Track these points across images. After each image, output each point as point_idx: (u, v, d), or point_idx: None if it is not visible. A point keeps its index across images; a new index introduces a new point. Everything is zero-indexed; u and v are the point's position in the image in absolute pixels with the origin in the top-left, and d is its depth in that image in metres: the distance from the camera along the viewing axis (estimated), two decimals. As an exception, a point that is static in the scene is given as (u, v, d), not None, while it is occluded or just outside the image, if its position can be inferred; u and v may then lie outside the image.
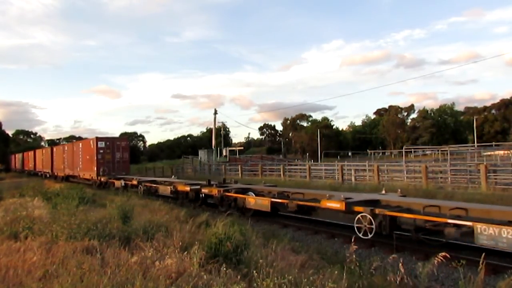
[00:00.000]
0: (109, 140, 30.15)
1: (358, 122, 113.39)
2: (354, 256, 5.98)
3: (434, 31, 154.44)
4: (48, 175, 45.15)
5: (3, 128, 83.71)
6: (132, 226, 8.87)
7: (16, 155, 71.33)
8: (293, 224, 12.59)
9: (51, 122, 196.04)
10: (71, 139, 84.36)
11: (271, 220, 13.27)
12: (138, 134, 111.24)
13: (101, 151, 29.06)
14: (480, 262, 5.53)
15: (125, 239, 7.95)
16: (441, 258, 5.69)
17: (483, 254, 5.87)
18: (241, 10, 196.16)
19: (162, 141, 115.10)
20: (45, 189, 21.90)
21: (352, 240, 7.17)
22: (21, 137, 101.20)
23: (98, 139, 29.58)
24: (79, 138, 71.94)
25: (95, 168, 29.10)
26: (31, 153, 57.96)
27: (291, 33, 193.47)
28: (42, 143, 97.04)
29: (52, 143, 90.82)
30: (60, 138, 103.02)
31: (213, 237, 6.60)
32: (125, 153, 30.32)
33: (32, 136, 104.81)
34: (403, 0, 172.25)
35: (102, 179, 27.92)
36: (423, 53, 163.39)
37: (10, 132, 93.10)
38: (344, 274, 5.19)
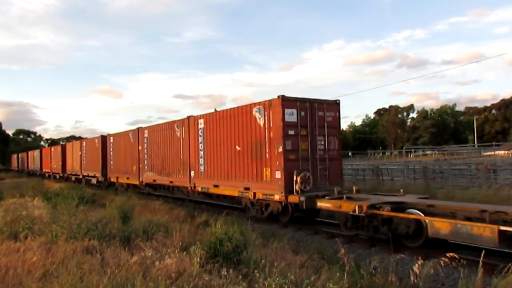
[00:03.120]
0: (306, 104, 12.44)
1: (359, 122, 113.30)
2: (349, 256, 5.97)
3: (435, 31, 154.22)
4: (58, 177, 39.07)
5: (3, 128, 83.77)
6: (132, 226, 8.87)
7: (20, 155, 66.54)
8: (293, 224, 12.57)
9: (52, 122, 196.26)
10: (71, 139, 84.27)
11: (271, 220, 13.25)
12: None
13: (290, 132, 12.00)
14: (480, 260, 5.51)
15: (125, 239, 7.95)
16: (445, 259, 5.64)
17: (483, 252, 5.86)
18: (241, 10, 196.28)
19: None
20: (45, 189, 21.88)
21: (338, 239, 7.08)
22: (21, 136, 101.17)
23: (284, 100, 11.92)
24: (79, 138, 70.99)
25: (282, 174, 11.72)
26: (36, 152, 52.44)
27: (291, 33, 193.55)
28: (42, 143, 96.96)
29: (52, 142, 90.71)
30: (61, 138, 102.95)
31: (213, 237, 6.59)
32: (334, 138, 13.15)
33: (32, 136, 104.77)
34: (403, 0, 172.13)
35: (301, 201, 11.36)
36: (425, 53, 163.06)
37: (11, 132, 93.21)
38: (345, 275, 5.18)
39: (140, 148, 21.18)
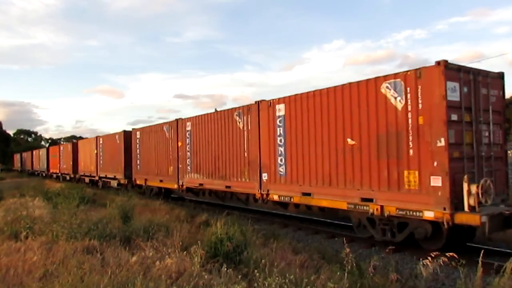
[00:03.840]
0: (469, 75, 8.48)
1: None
2: (351, 255, 5.97)
3: (435, 31, 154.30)
4: (68, 178, 34.92)
5: (4, 128, 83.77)
6: (132, 226, 8.88)
7: (24, 154, 62.95)
8: (293, 224, 12.58)
9: (53, 122, 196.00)
10: (71, 138, 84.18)
11: (271, 220, 13.27)
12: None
13: (453, 117, 8.09)
14: (479, 260, 5.51)
15: (126, 239, 7.96)
16: (445, 258, 5.63)
17: (482, 251, 5.86)
18: (242, 10, 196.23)
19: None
20: (46, 189, 21.90)
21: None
22: (22, 136, 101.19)
23: (447, 67, 7.96)
24: (80, 138, 70.38)
25: (444, 179, 7.75)
26: (42, 151, 48.48)
27: (291, 33, 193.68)
28: (42, 143, 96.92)
29: (53, 142, 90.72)
30: (61, 138, 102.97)
31: (214, 237, 6.60)
32: (498, 127, 9.24)
33: (32, 135, 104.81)
34: (403, 0, 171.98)
35: (482, 223, 7.44)
36: (425, 53, 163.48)
37: (11, 132, 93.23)
38: (346, 275, 5.19)
39: (179, 144, 16.93)
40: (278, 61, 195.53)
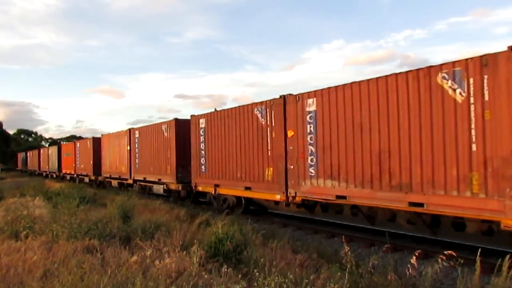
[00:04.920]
0: None
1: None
2: (350, 255, 5.98)
3: (435, 31, 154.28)
4: (87, 180, 30.07)
5: (4, 127, 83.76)
6: (132, 226, 8.89)
7: (30, 153, 59.18)
8: (293, 224, 12.58)
9: (53, 122, 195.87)
10: (72, 138, 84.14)
11: (271, 219, 13.27)
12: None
13: None
14: (476, 259, 5.51)
15: (126, 238, 7.97)
16: (443, 257, 5.63)
17: (479, 250, 5.86)
18: (242, 10, 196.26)
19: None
20: (46, 188, 21.92)
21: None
22: (22, 136, 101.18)
23: None
24: (80, 138, 69.76)
25: None
26: (51, 149, 43.73)
27: (291, 33, 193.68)
28: (43, 142, 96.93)
29: (53, 142, 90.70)
30: (61, 138, 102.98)
31: (213, 237, 6.61)
32: None
33: (33, 135, 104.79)
34: (402, 0, 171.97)
35: None
36: (425, 53, 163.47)
37: (12, 132, 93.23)
38: (347, 275, 5.19)
39: (290, 133, 11.25)
40: (278, 61, 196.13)
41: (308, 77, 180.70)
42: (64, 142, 70.56)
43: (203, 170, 15.47)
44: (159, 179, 18.84)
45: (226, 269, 5.32)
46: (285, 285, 4.62)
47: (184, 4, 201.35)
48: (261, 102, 12.63)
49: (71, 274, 5.22)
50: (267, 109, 12.33)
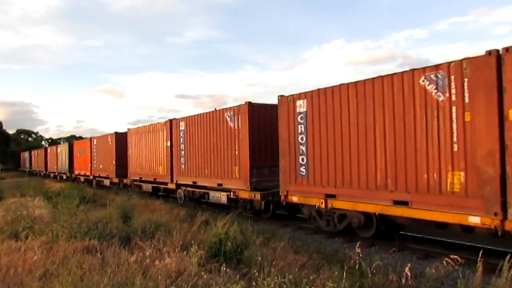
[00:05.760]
0: None
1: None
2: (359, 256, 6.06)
3: (436, 31, 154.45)
4: (109, 183, 25.22)
5: (4, 127, 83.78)
6: (132, 226, 8.89)
7: (35, 152, 55.24)
8: (293, 224, 12.57)
9: (53, 122, 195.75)
10: (72, 138, 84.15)
11: (271, 219, 13.27)
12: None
13: None
14: (478, 260, 5.51)
15: (125, 238, 7.97)
16: (448, 260, 5.61)
17: (481, 251, 5.85)
18: (242, 10, 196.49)
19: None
20: (46, 188, 21.92)
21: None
22: (22, 136, 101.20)
23: None
24: (80, 138, 69.25)
25: None
26: (61, 147, 39.32)
27: (292, 33, 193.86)
28: (43, 142, 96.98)
29: (53, 142, 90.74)
30: (61, 138, 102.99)
31: (214, 237, 6.61)
32: None
33: (33, 135, 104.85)
34: (403, 0, 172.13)
35: None
36: (425, 53, 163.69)
37: (12, 132, 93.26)
38: (344, 274, 5.19)
39: None
40: (278, 61, 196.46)
41: (309, 77, 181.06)
42: (63, 142, 69.84)
43: (302, 173, 10.64)
44: (220, 184, 14.21)
45: (225, 269, 5.32)
46: (285, 285, 4.62)
47: (184, 4, 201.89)
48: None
49: (71, 274, 5.21)
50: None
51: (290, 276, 4.73)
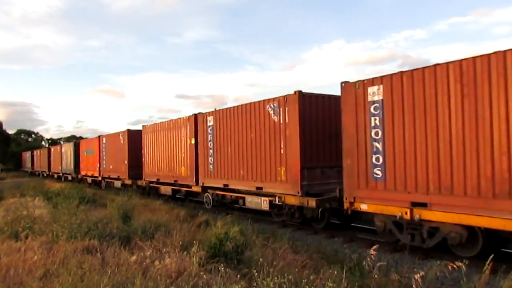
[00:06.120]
0: None
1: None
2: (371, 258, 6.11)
3: (436, 31, 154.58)
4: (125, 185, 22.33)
5: (4, 128, 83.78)
6: (132, 226, 8.89)
7: (38, 151, 53.18)
8: (293, 224, 12.57)
9: (54, 122, 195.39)
10: (72, 138, 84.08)
11: (271, 220, 13.27)
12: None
13: None
14: (487, 263, 5.42)
15: (125, 238, 7.97)
16: (453, 265, 5.53)
17: (491, 256, 5.72)
18: (242, 10, 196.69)
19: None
20: (46, 188, 21.92)
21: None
22: (22, 136, 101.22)
23: None
24: (80, 138, 69.02)
25: None
26: (66, 146, 36.72)
27: (292, 33, 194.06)
28: (43, 143, 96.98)
29: (53, 142, 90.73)
30: (61, 138, 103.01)
31: (214, 237, 6.61)
32: None
33: (33, 135, 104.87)
34: (402, 0, 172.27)
35: None
36: (425, 53, 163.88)
37: (12, 132, 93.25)
38: (344, 274, 5.20)
39: None
40: (278, 61, 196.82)
41: (309, 77, 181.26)
42: (63, 142, 69.68)
43: (377, 176, 8.86)
44: (259, 188, 12.48)
45: (225, 270, 5.32)
46: (284, 285, 4.62)
47: (184, 4, 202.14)
48: None
49: (71, 274, 5.21)
50: None
51: (290, 276, 4.73)
